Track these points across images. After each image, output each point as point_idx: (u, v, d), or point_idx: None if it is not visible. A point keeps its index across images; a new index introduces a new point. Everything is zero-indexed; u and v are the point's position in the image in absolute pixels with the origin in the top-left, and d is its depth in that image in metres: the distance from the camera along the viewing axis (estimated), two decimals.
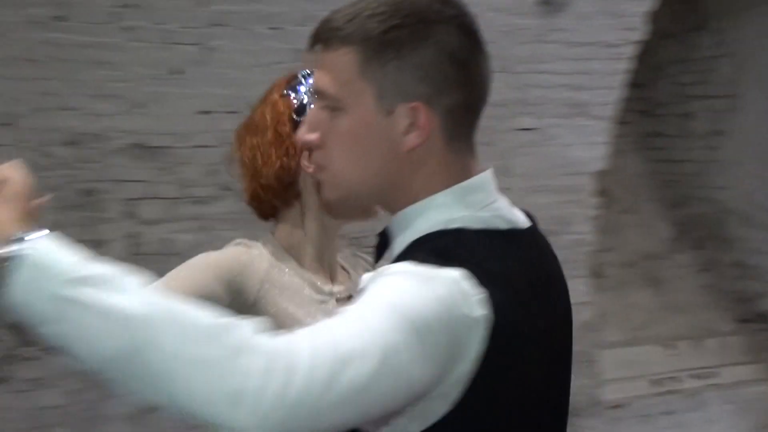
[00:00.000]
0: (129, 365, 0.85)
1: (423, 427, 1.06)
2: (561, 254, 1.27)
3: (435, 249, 1.06)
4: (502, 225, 1.16)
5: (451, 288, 1.00)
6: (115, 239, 3.41)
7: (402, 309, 0.95)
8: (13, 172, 0.97)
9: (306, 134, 1.15)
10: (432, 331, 0.96)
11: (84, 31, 3.21)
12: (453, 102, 1.11)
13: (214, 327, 0.87)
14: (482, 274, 1.04)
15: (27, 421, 3.32)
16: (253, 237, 1.59)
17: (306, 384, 0.86)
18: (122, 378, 0.87)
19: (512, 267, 1.13)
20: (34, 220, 0.92)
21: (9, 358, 3.23)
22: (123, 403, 3.49)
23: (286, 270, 1.56)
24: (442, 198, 1.12)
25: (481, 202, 1.15)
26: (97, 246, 3.32)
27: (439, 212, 1.11)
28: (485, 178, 1.17)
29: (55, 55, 3.19)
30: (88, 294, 0.84)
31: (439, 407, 1.05)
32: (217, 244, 1.57)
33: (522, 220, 1.20)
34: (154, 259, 3.45)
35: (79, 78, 3.24)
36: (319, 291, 1.58)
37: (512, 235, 1.17)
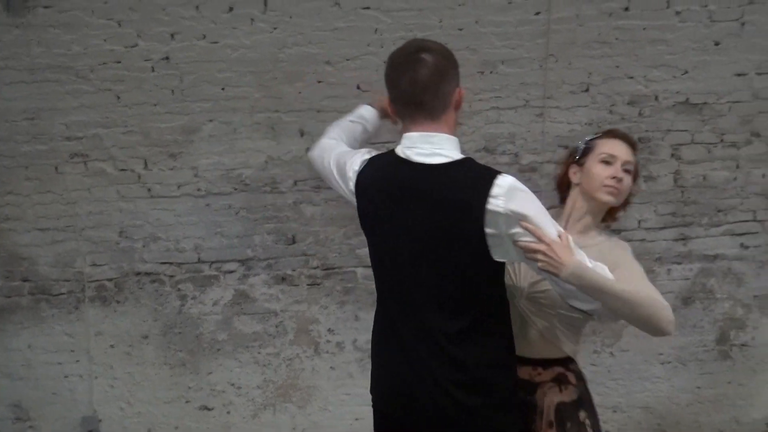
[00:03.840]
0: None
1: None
2: None
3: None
4: (402, 155, 2.27)
5: (358, 157, 2.43)
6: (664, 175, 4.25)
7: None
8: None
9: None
10: (341, 166, 2.47)
11: (644, 17, 4.00)
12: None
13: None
14: (370, 163, 2.37)
15: None
16: None
17: None
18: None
19: (383, 171, 2.31)
20: None
21: None
22: None
23: None
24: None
25: (404, 145, 2.29)
26: (648, 180, 4.20)
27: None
28: (410, 136, 2.26)
29: (622, 37, 4.03)
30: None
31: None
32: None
33: (419, 159, 2.24)
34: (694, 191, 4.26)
35: (639, 53, 4.06)
36: None
37: (401, 161, 2.26)
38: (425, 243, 2.23)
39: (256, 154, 4.16)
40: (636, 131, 4.17)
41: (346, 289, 4.32)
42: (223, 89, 4.07)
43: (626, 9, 4.01)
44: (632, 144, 2.68)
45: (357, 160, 2.46)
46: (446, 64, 2.23)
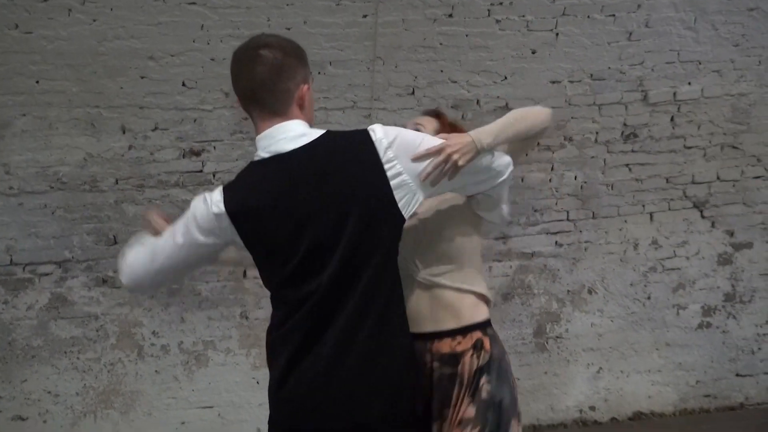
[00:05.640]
0: None
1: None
2: None
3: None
4: (271, 154, 2.11)
5: (199, 203, 2.13)
6: None
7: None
8: None
9: None
10: (193, 223, 2.12)
11: (467, 24, 4.13)
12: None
13: None
14: (232, 188, 2.13)
15: None
16: None
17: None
18: None
19: (264, 182, 2.10)
20: None
21: None
22: None
23: None
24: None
25: (264, 146, 2.14)
26: None
27: None
28: (266, 134, 2.12)
29: (446, 43, 4.16)
30: None
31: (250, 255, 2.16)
32: None
33: (292, 146, 2.10)
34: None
35: (461, 59, 4.21)
36: None
37: (278, 159, 2.10)
38: (346, 221, 2.09)
39: (75, 150, 3.99)
40: None
41: (171, 290, 4.20)
42: (37, 82, 3.86)
43: (450, 15, 4.12)
44: (436, 115, 2.77)
45: (208, 203, 2.16)
46: (285, 61, 2.11)
